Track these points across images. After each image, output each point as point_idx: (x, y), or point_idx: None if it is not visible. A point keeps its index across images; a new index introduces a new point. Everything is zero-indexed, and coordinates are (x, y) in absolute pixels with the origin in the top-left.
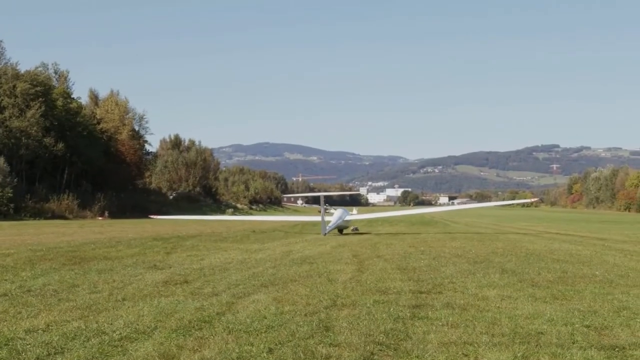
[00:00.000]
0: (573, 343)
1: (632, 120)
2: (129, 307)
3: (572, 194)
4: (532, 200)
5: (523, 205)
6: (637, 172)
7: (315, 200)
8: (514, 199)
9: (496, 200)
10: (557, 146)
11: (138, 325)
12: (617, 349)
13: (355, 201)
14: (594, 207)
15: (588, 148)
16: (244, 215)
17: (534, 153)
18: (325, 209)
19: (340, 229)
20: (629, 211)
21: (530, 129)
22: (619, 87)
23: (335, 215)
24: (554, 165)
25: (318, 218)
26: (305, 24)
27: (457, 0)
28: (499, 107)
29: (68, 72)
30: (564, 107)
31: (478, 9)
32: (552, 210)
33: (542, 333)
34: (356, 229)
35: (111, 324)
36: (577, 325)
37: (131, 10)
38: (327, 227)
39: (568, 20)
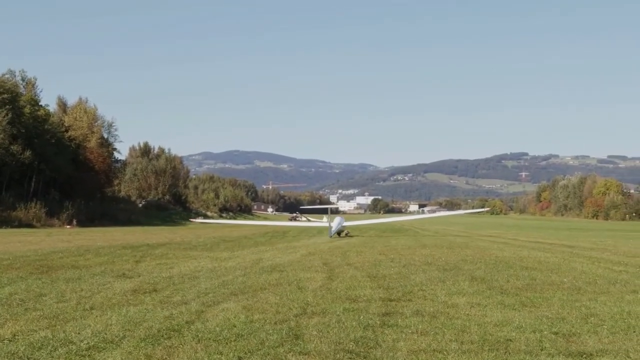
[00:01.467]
0: (541, 350)
1: (599, 129)
2: (96, 316)
3: (540, 201)
4: (485, 209)
5: (492, 212)
6: (604, 180)
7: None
8: (483, 207)
9: (466, 208)
10: (526, 154)
11: (106, 334)
12: (584, 356)
13: (325, 209)
14: (562, 215)
15: (556, 156)
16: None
17: (503, 161)
18: (296, 217)
19: (339, 233)
20: (596, 218)
21: (499, 137)
22: (586, 96)
23: (335, 222)
24: (523, 173)
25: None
26: (274, 32)
27: (426, 7)
28: (468, 115)
29: (36, 80)
30: (533, 115)
31: (446, 16)
32: (521, 217)
33: (510, 340)
34: (348, 232)
35: (79, 333)
36: (545, 332)
37: (100, 18)
38: (331, 231)
39: (537, 28)
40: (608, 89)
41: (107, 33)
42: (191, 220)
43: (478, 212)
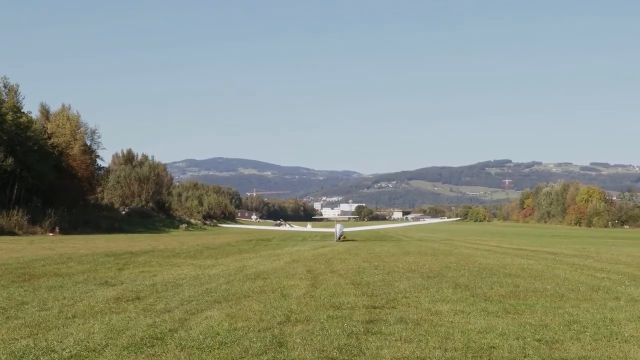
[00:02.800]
0: (525, 357)
1: (582, 136)
2: (79, 324)
3: (524, 208)
4: (458, 218)
5: (476, 219)
6: (587, 187)
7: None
8: (466, 215)
9: (450, 215)
10: (509, 161)
11: (88, 342)
12: None
13: (309, 217)
14: (545, 222)
15: (539, 163)
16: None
17: (486, 168)
18: (280, 223)
19: (339, 237)
20: (579, 225)
21: (482, 144)
22: (569, 103)
23: (338, 228)
24: (506, 180)
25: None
26: (257, 39)
27: (410, 14)
28: (452, 122)
29: (18, 86)
30: (516, 122)
31: (431, 22)
32: (504, 224)
33: (494, 347)
34: (344, 237)
35: (61, 341)
36: (528, 339)
37: (82, 26)
38: (336, 236)
39: (520, 35)
40: (590, 97)
41: (90, 40)
42: (219, 225)
43: (454, 221)
